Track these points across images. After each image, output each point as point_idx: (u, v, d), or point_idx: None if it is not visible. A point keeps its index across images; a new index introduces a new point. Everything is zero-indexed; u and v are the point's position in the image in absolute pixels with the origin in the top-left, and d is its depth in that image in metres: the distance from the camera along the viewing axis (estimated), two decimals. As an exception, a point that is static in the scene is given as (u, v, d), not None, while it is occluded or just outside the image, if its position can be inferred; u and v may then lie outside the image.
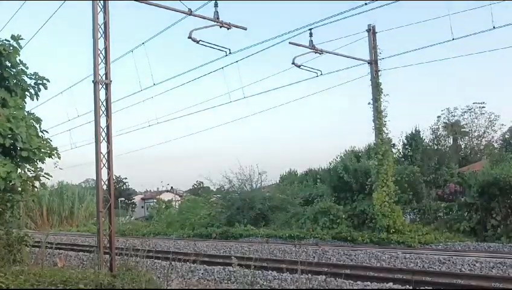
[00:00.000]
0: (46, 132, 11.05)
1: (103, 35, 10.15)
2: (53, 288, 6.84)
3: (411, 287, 7.81)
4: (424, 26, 39.35)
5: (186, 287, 7.71)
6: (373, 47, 19.86)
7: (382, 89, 19.46)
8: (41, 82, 11.00)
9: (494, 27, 14.80)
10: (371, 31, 19.86)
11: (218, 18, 14.34)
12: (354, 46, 22.64)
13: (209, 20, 14.43)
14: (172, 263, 9.16)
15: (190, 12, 13.76)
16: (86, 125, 19.24)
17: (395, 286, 8.10)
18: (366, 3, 14.12)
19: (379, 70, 19.74)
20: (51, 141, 11.00)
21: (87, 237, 24.69)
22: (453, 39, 15.97)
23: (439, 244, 16.25)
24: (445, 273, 9.59)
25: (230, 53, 15.43)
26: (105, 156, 9.93)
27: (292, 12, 76.22)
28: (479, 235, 17.27)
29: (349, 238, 18.50)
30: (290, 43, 17.61)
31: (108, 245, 9.42)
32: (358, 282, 8.59)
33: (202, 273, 10.50)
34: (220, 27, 14.42)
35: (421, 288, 7.90)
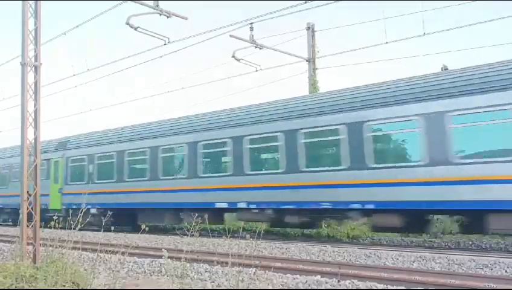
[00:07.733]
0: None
1: (33, 15, 9.60)
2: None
3: (337, 280, 8.08)
4: (362, 28, 40.64)
5: (114, 280, 7.50)
6: (312, 45, 20.32)
7: (319, 87, 19.99)
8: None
9: (424, 33, 15.64)
10: (310, 29, 20.30)
11: (157, 5, 14.07)
12: (294, 43, 23.02)
13: (148, 7, 14.14)
14: (101, 255, 8.87)
15: (128, -3, 13.42)
16: (12, 109, 18.23)
17: (323, 279, 8.34)
18: (305, 2, 14.35)
19: (316, 69, 20.24)
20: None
21: (7, 227, 23.40)
22: (387, 42, 16.74)
23: (366, 238, 16.95)
24: (370, 266, 10.00)
25: (169, 42, 15.19)
26: (32, 143, 9.44)
27: (234, 5, 76.08)
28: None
29: (281, 232, 18.82)
30: (230, 36, 17.61)
31: (32, 235, 8.99)
32: (288, 275, 8.76)
33: (132, 266, 10.28)
34: (160, 15, 14.16)
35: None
